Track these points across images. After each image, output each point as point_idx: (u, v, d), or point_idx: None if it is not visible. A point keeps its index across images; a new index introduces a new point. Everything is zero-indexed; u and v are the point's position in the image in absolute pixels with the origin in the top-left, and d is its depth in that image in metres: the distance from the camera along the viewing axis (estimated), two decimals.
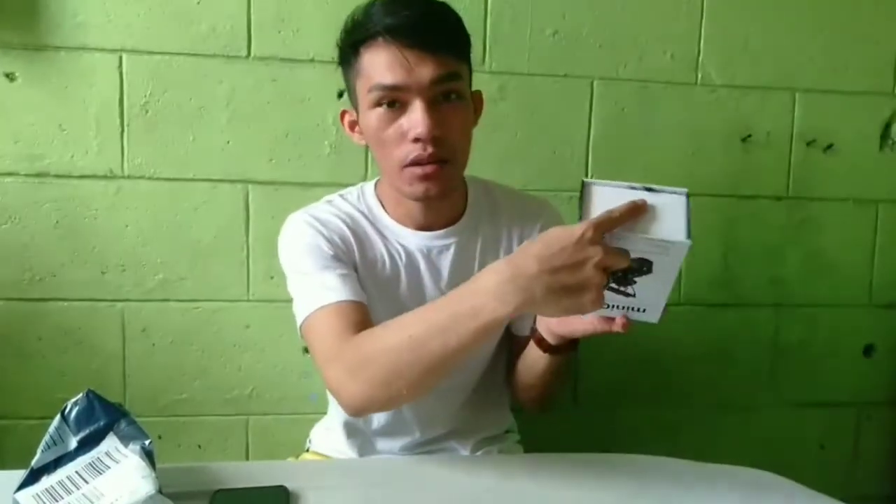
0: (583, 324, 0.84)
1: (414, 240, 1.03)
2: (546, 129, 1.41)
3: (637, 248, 0.70)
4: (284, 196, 1.34)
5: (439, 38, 0.91)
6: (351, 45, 0.95)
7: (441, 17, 0.94)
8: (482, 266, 1.03)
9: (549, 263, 0.68)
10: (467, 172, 1.03)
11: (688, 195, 0.72)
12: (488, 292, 0.72)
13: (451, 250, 1.03)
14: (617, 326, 0.78)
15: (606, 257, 0.68)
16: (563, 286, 0.68)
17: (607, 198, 0.71)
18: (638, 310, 0.77)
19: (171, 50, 1.29)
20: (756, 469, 0.84)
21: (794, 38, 1.46)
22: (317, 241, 1.00)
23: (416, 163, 0.92)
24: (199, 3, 1.29)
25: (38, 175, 1.29)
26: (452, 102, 0.93)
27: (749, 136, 1.47)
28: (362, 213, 1.05)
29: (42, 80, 1.27)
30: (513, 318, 0.73)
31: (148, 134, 1.30)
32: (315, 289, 0.95)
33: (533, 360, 1.01)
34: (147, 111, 1.30)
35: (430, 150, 0.91)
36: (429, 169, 0.92)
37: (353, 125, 1.02)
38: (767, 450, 1.55)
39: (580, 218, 0.71)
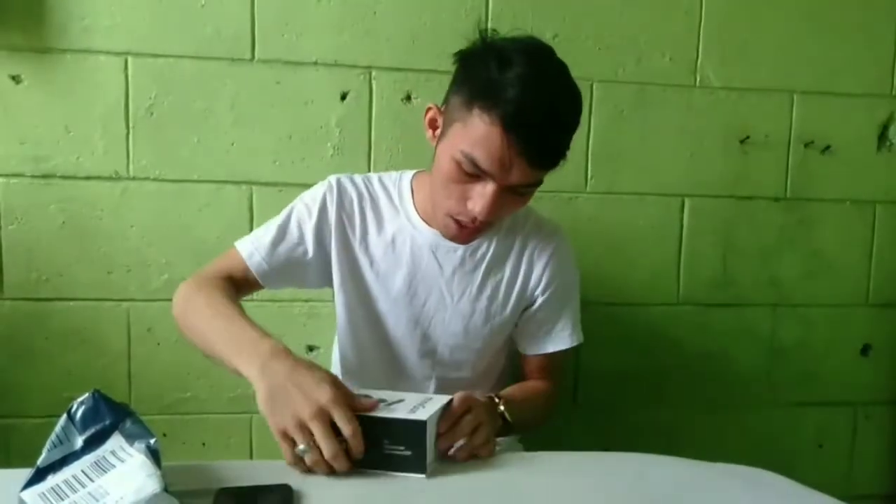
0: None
1: (428, 235, 1.06)
2: None
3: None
4: (288, 197, 1.32)
5: (546, 160, 0.91)
6: (470, 95, 0.90)
7: (560, 134, 0.91)
8: (487, 272, 1.06)
9: (298, 379, 0.78)
10: None
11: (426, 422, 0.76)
12: (257, 355, 0.82)
13: (459, 252, 1.06)
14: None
15: (334, 409, 0.74)
16: (288, 397, 0.77)
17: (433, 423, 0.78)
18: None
19: (176, 53, 1.31)
20: (754, 467, 0.85)
21: (792, 41, 1.47)
22: (312, 209, 1.05)
23: (459, 222, 0.96)
24: (203, 6, 1.30)
25: (44, 176, 1.30)
26: (521, 195, 0.95)
27: (747, 137, 1.48)
28: (390, 195, 1.09)
29: (48, 82, 1.29)
30: None
31: (153, 136, 1.32)
32: (260, 230, 1.06)
33: None
34: (152, 113, 1.32)
35: (478, 223, 0.94)
36: (468, 230, 0.97)
37: (433, 123, 0.99)
38: (766, 449, 1.57)
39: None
